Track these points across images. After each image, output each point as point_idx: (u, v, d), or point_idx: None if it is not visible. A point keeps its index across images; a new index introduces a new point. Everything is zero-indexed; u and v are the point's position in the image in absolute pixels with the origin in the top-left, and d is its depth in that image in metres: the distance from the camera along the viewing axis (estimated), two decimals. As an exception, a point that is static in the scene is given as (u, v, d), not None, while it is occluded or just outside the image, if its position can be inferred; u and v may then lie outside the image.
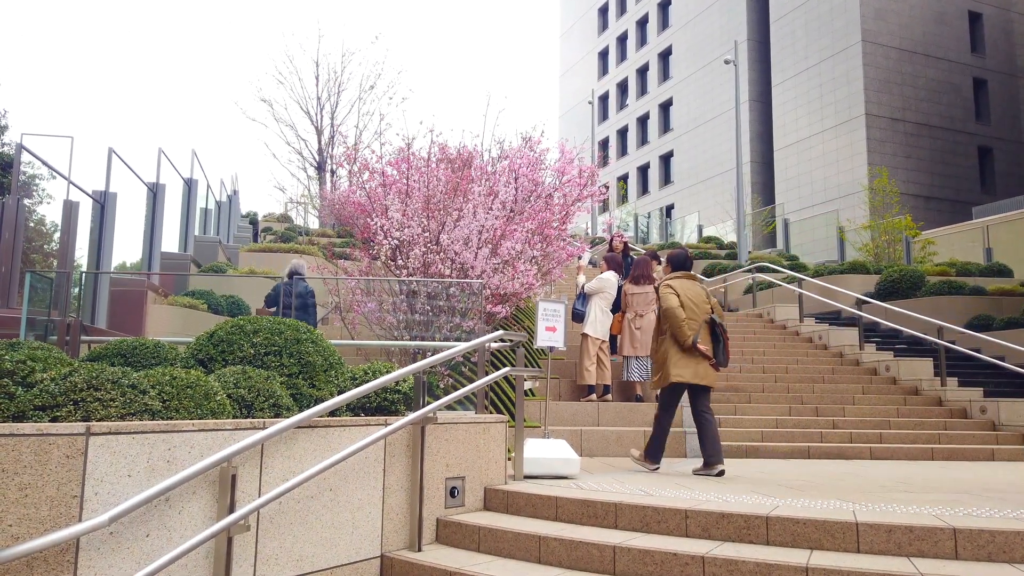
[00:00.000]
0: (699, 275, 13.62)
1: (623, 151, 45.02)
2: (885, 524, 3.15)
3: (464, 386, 4.35)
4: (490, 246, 6.99)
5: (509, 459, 5.03)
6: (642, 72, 43.97)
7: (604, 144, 46.54)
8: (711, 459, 4.98)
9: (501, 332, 4.45)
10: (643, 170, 42.97)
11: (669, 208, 38.19)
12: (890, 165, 27.13)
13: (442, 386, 6.65)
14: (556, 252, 8.92)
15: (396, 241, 6.55)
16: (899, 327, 10.98)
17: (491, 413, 5.27)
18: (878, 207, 19.81)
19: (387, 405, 4.23)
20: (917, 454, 7.34)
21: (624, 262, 9.22)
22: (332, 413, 4.00)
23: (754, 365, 9.82)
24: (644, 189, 42.53)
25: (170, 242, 10.95)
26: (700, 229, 25.81)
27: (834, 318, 12.66)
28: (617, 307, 8.66)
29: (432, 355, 4.18)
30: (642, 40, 44.24)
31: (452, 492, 4.11)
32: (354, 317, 6.91)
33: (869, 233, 19.19)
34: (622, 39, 46.43)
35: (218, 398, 3.37)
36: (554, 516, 3.93)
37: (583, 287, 8.23)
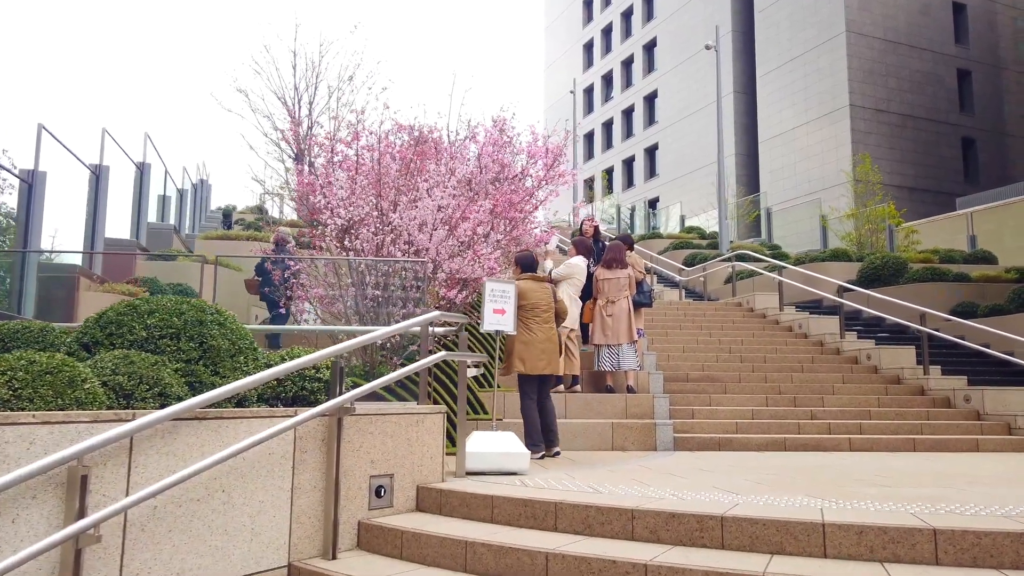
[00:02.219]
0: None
1: (608, 144, 44.59)
2: (856, 524, 2.74)
3: (418, 378, 3.90)
4: (447, 227, 6.53)
5: (453, 454, 4.58)
6: (627, 64, 43.53)
7: (589, 137, 46.13)
8: (551, 443, 5.64)
9: (438, 313, 4.00)
10: (628, 163, 42.58)
11: (654, 201, 37.83)
12: (874, 156, 26.85)
13: (394, 377, 6.18)
14: (523, 236, 8.47)
15: (343, 220, 6.08)
16: (881, 314, 10.65)
17: (437, 404, 4.82)
18: (861, 194, 19.50)
19: (305, 395, 3.77)
20: (898, 445, 6.98)
21: (595, 247, 8.81)
22: (240, 403, 3.54)
23: (731, 355, 9.44)
24: (629, 182, 42.15)
25: (120, 228, 10.40)
26: (683, 220, 25.46)
27: (815, 306, 12.33)
28: (588, 294, 8.25)
29: (396, 340, 3.72)
30: (627, 32, 43.78)
31: (378, 491, 3.66)
32: (299, 304, 6.43)
33: (853, 223, 18.90)
34: (607, 31, 45.94)
35: (87, 386, 2.89)
36: (489, 517, 3.49)
37: (550, 273, 7.81)
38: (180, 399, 3.21)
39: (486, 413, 7.01)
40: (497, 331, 4.61)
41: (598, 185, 41.16)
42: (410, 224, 6.40)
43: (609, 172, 43.53)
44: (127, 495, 2.68)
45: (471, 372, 4.30)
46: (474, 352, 4.84)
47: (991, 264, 13.91)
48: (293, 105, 27.60)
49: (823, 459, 5.93)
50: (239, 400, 3.54)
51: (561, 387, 7.65)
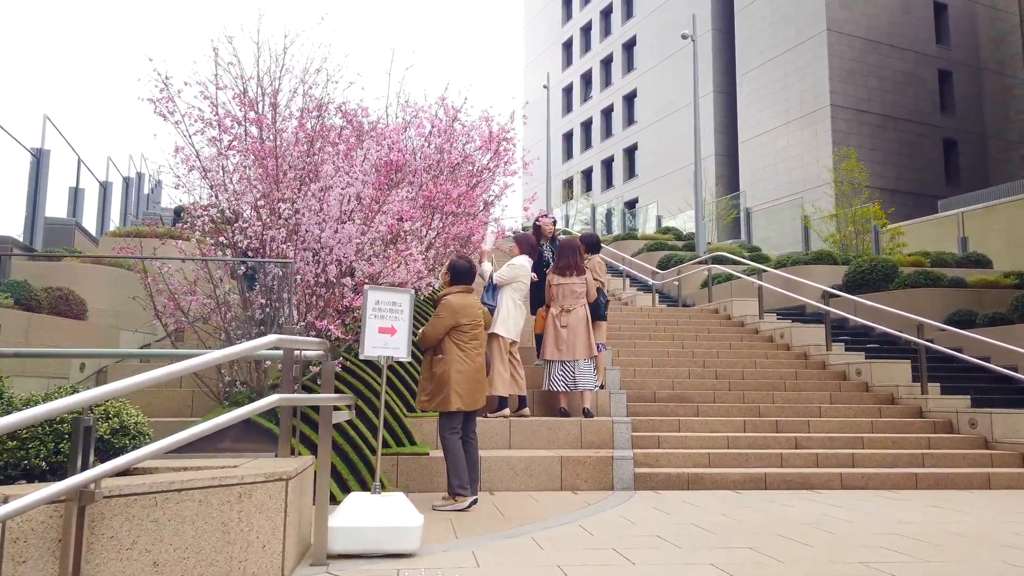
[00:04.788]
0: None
1: (587, 144, 43.60)
2: None
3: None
4: (358, 221, 5.34)
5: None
6: (606, 63, 42.59)
7: (568, 137, 45.15)
8: (471, 488, 4.66)
9: (274, 338, 2.80)
10: (607, 163, 41.62)
11: (633, 202, 36.89)
12: (855, 157, 26.17)
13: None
14: (464, 234, 7.29)
15: (217, 211, 4.88)
16: (871, 323, 9.64)
17: (304, 456, 3.62)
18: (846, 191, 18.58)
19: (62, 461, 2.55)
20: (897, 481, 5.91)
21: (552, 248, 7.68)
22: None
23: (705, 369, 8.35)
24: (608, 183, 41.18)
25: (10, 225, 9.04)
26: (659, 220, 24.47)
27: (798, 313, 11.30)
28: (540, 301, 7.13)
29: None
30: (606, 30, 42.84)
31: (166, 606, 2.45)
32: (178, 319, 5.19)
33: (836, 224, 17.99)
34: (586, 29, 44.98)
35: None
36: (323, 652, 2.30)
37: (491, 276, 6.66)
38: None
39: (416, 445, 5.83)
40: (383, 357, 3.42)
41: (576, 186, 40.15)
42: (311, 218, 5.20)
43: (588, 173, 42.56)
44: None
45: (342, 416, 3.11)
46: (342, 393, 3.64)
47: (986, 268, 13.01)
48: (257, 100, 26.30)
49: (811, 507, 4.82)
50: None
51: (506, 411, 6.49)
